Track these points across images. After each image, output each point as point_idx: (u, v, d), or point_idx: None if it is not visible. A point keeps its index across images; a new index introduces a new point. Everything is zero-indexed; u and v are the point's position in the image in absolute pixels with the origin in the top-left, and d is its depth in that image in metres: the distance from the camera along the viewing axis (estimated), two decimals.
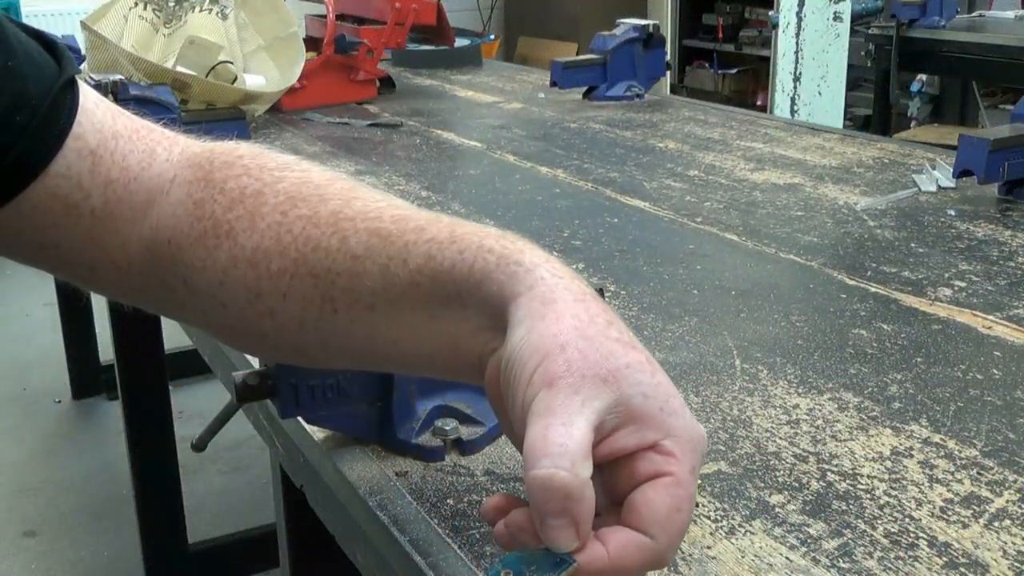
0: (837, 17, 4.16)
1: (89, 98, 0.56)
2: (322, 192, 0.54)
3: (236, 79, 1.71)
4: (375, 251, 0.50)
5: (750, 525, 0.59)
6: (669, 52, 2.33)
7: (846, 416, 0.73)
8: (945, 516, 0.60)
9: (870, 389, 0.77)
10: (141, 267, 0.58)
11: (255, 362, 0.71)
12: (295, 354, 0.57)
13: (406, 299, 0.49)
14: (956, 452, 0.67)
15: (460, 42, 2.60)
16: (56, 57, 0.55)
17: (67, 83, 0.55)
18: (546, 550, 0.41)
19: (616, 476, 0.43)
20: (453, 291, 0.48)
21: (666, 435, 0.42)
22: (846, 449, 0.68)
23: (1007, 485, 0.63)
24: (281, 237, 0.53)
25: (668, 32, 5.11)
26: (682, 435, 0.43)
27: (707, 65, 5.84)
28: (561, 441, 0.40)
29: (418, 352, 0.51)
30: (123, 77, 1.42)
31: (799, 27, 4.11)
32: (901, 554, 0.56)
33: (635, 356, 0.43)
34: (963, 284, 0.98)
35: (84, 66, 1.71)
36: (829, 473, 0.65)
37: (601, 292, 0.76)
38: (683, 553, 0.57)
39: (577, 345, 0.42)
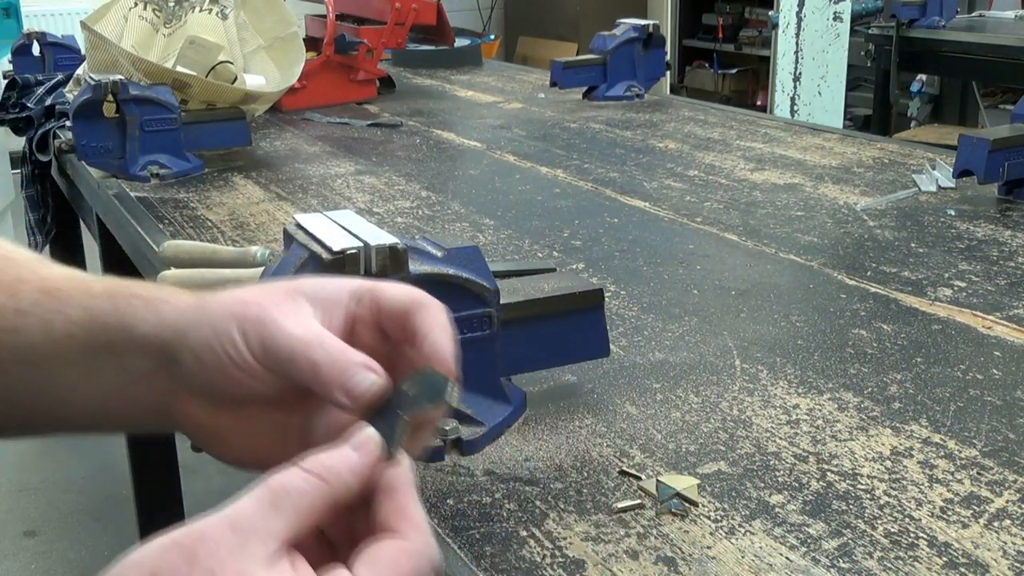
0: (837, 17, 4.17)
1: None
2: (18, 266, 0.55)
3: (236, 79, 1.71)
4: (40, 306, 0.51)
5: (750, 525, 0.59)
6: (669, 52, 2.33)
7: (846, 416, 0.72)
8: (945, 516, 0.60)
9: (870, 389, 0.77)
10: None
11: None
12: None
13: (64, 353, 0.51)
14: (956, 452, 0.67)
15: (460, 42, 2.60)
16: None
17: None
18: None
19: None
20: (104, 340, 0.49)
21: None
22: (846, 449, 0.68)
23: (1007, 485, 0.63)
24: None
25: (668, 32, 5.11)
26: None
27: (707, 65, 5.84)
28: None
29: (88, 407, 0.52)
30: (123, 77, 1.42)
31: (799, 27, 4.12)
32: (901, 554, 0.56)
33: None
34: (963, 284, 0.98)
35: (84, 66, 1.71)
36: (829, 473, 0.65)
37: (601, 292, 0.76)
38: (683, 553, 0.57)
39: (255, 299, 0.47)
